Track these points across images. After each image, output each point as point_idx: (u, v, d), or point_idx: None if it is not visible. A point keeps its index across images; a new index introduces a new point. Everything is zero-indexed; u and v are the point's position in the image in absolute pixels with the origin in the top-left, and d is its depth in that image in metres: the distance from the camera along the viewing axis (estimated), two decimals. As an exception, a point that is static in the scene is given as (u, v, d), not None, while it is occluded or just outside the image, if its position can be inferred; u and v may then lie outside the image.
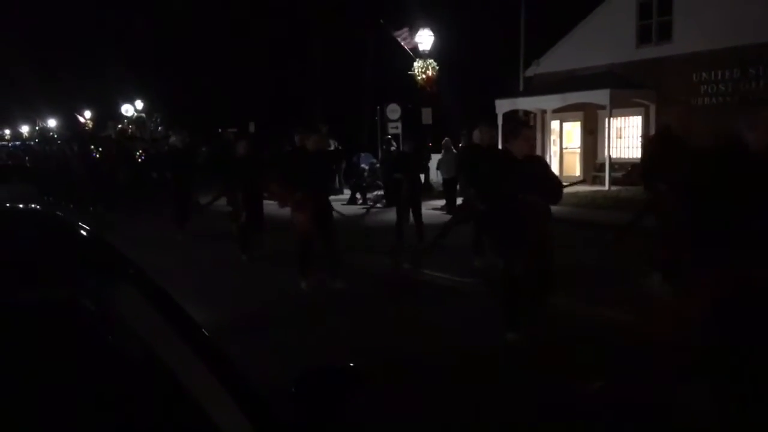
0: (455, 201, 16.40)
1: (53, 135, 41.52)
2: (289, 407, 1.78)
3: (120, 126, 34.88)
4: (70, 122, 42.74)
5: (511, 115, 21.88)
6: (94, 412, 1.55)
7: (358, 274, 8.86)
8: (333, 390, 1.82)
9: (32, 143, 36.06)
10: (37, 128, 50.21)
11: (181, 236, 12.17)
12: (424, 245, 9.56)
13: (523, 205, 5.57)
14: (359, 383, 1.87)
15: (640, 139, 19.88)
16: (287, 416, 1.73)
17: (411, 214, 10.68)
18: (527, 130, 6.26)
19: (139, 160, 20.65)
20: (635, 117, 20.61)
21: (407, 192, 10.53)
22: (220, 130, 20.31)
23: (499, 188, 5.83)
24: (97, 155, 20.40)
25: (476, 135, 9.38)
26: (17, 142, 48.48)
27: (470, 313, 6.95)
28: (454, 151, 17.00)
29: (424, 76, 21.28)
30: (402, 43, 21.82)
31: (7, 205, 2.33)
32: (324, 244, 8.16)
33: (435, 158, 19.31)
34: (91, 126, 39.56)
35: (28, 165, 27.16)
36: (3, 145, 43.75)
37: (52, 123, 48.26)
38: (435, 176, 19.56)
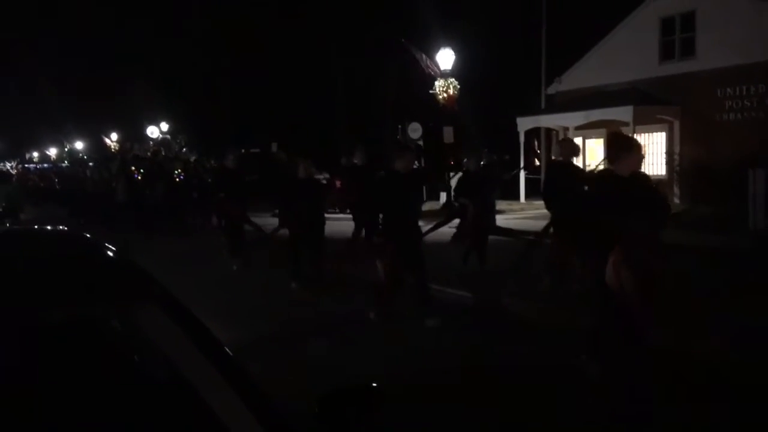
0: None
1: (83, 156, 41.69)
2: (312, 426, 1.79)
3: (154, 146, 34.10)
4: (97, 144, 43.40)
5: (532, 133, 21.85)
6: (120, 428, 1.57)
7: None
8: (355, 409, 1.83)
9: (62, 165, 36.36)
10: (66, 149, 51.01)
11: (235, 265, 11.07)
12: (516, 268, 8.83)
13: (630, 231, 4.87)
14: (380, 402, 1.87)
15: (664, 156, 19.72)
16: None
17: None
18: (638, 146, 5.33)
19: (177, 180, 19.59)
20: (659, 133, 20.45)
21: (475, 219, 9.20)
22: (243, 150, 20.39)
23: (602, 210, 5.04)
24: (139, 177, 19.43)
25: (555, 150, 8.43)
26: (45, 164, 49.38)
27: (500, 333, 6.83)
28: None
29: (445, 95, 21.32)
30: (423, 67, 21.93)
31: (36, 226, 2.38)
32: (414, 274, 7.23)
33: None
34: (118, 148, 40.14)
35: (57, 187, 27.35)
36: (34, 168, 44.55)
37: (79, 145, 49.03)
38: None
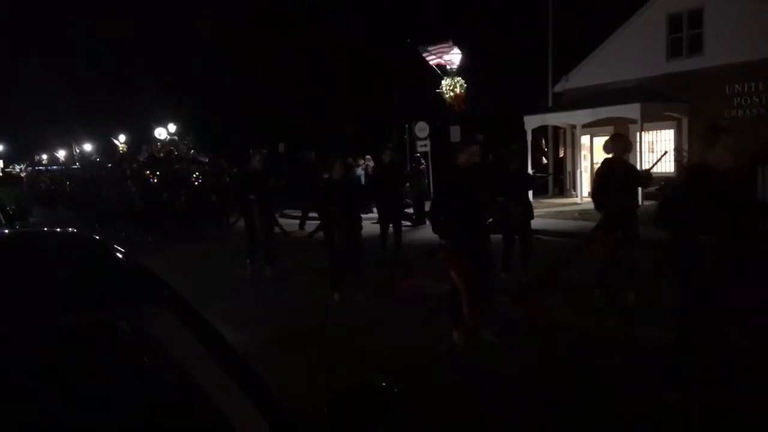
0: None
1: (96, 159, 40.75)
2: (322, 427, 1.79)
3: (164, 147, 32.15)
4: (106, 146, 43.50)
5: (539, 131, 21.76)
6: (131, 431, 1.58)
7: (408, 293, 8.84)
8: (366, 409, 1.82)
9: (74, 167, 35.73)
10: (76, 152, 51.12)
11: (269, 271, 10.67)
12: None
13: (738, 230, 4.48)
14: (394, 403, 1.86)
15: (673, 153, 19.64)
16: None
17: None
18: (727, 137, 4.85)
19: (197, 183, 18.44)
20: (667, 131, 20.36)
21: (517, 218, 8.83)
22: (251, 150, 20.35)
23: (707, 211, 4.52)
24: (155, 180, 18.01)
25: (607, 146, 7.89)
26: (53, 167, 49.53)
27: (511, 337, 6.65)
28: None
29: (452, 93, 21.29)
30: (431, 63, 21.86)
31: (45, 229, 2.38)
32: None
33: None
34: (125, 150, 40.20)
35: (68, 190, 27.02)
36: (45, 170, 44.53)
37: (88, 147, 49.20)
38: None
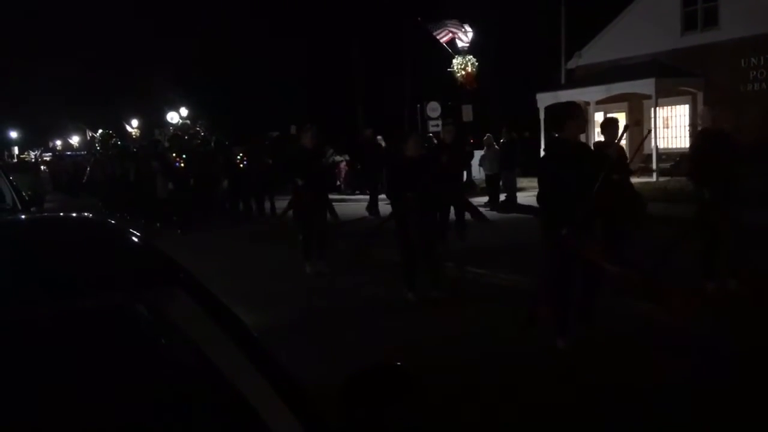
0: (498, 197, 16.30)
1: (117, 142, 38.83)
2: (338, 407, 1.79)
3: (197, 129, 28.07)
4: (119, 132, 43.57)
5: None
6: (149, 414, 1.59)
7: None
8: (381, 390, 1.82)
9: (95, 153, 34.78)
10: (89, 136, 51.20)
11: (323, 266, 9.05)
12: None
13: None
14: (407, 383, 1.86)
15: (688, 128, 19.44)
16: (336, 416, 1.74)
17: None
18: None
19: (241, 166, 16.47)
20: (682, 106, 20.16)
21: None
22: (260, 134, 20.09)
23: None
24: (181, 163, 15.58)
25: (705, 116, 7.00)
26: (68, 152, 49.73)
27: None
28: (496, 147, 16.84)
29: (463, 72, 21.16)
30: (441, 40, 21.71)
31: (61, 214, 2.40)
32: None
33: (477, 154, 19.17)
34: (137, 135, 40.28)
35: (88, 177, 26.19)
36: (67, 155, 44.47)
37: (100, 133, 49.40)
38: (477, 173, 19.43)
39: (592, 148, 6.88)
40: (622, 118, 22.05)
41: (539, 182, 5.60)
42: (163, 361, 1.77)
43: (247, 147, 17.50)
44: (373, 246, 8.91)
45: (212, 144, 20.03)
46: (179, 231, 14.21)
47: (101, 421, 1.52)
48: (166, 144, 18.91)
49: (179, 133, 24.73)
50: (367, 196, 17.15)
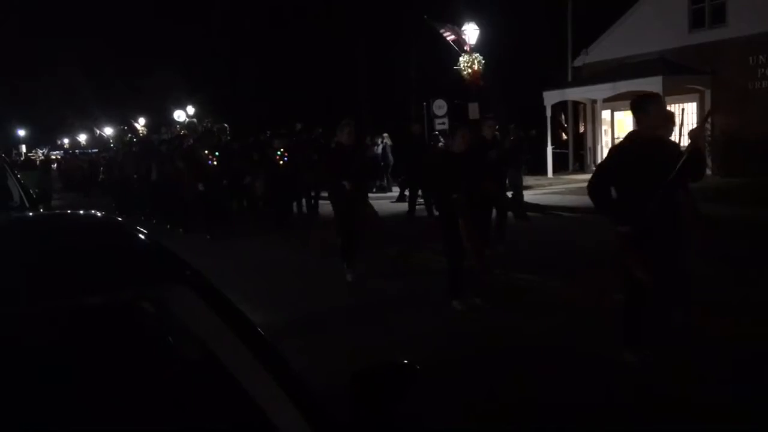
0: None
1: (133, 139, 36.88)
2: (345, 404, 1.79)
3: (224, 125, 25.11)
4: (128, 130, 43.58)
5: (559, 106, 21.52)
6: (155, 411, 1.59)
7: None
8: (388, 386, 1.82)
9: (111, 149, 33.86)
10: (98, 134, 51.17)
11: (350, 275, 8.48)
12: None
13: None
14: (414, 379, 1.86)
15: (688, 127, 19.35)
16: (343, 414, 1.74)
17: None
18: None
19: (282, 162, 14.41)
20: (690, 103, 20.05)
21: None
22: (268, 132, 19.97)
23: None
24: (214, 161, 13.52)
25: None
26: (77, 150, 49.77)
27: (551, 316, 6.49)
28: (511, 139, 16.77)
29: (470, 70, 21.08)
30: (448, 38, 21.66)
31: (69, 211, 2.40)
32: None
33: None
34: (145, 133, 40.24)
35: (103, 176, 25.35)
36: (81, 153, 44.28)
37: (108, 131, 49.48)
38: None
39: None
40: (629, 116, 22.06)
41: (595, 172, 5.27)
42: (170, 359, 1.78)
43: (288, 141, 15.53)
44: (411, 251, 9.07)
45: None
46: (208, 237, 12.90)
47: (109, 417, 1.52)
48: (190, 141, 16.73)
49: (213, 128, 21.69)
50: (396, 193, 17.90)
